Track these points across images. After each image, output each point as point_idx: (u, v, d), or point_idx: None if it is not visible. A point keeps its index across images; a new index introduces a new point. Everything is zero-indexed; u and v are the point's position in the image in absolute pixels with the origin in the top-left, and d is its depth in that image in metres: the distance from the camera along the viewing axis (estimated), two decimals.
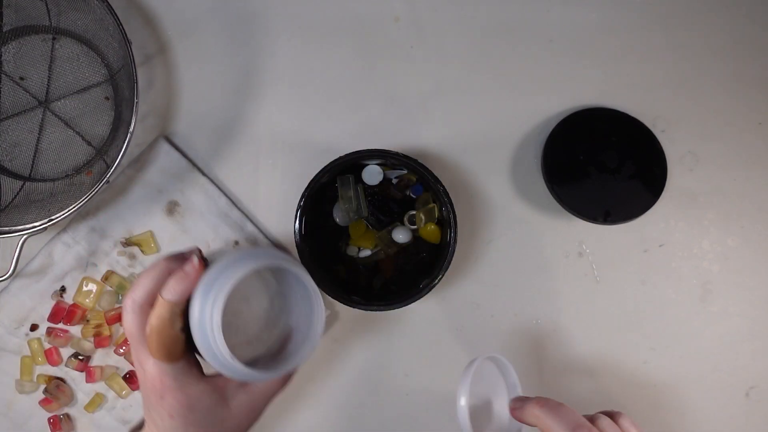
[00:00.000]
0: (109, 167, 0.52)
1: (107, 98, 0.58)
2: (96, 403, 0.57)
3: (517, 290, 0.59)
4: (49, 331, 0.57)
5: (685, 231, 0.59)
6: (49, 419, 0.57)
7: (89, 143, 0.58)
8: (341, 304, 0.54)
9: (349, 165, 0.54)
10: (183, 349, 0.41)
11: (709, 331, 0.59)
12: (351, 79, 0.60)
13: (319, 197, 0.55)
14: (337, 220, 0.56)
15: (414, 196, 0.55)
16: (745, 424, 0.59)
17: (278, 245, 0.59)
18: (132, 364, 0.57)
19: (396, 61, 0.60)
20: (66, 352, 0.57)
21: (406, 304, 0.52)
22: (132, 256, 0.58)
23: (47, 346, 0.57)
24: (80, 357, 0.57)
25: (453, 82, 0.60)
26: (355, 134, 0.59)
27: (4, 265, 0.57)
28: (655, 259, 0.59)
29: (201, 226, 0.58)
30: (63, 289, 0.57)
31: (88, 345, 0.57)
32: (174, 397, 0.41)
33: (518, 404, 0.46)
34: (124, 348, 0.57)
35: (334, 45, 0.60)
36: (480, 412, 0.48)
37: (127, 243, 0.58)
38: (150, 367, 0.41)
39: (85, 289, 0.57)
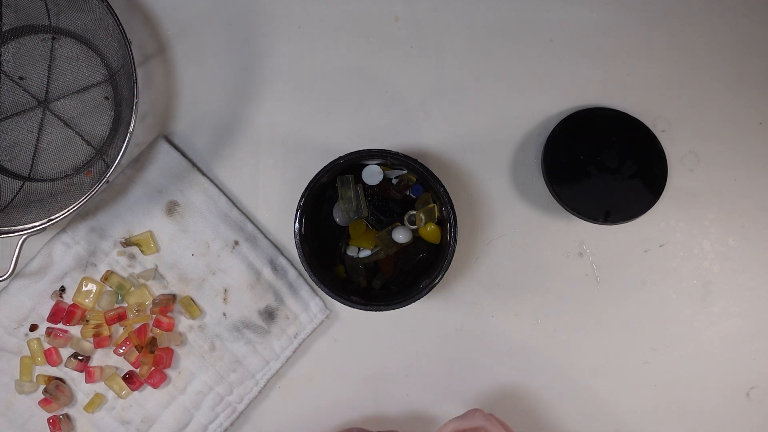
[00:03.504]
0: (108, 167, 0.52)
1: (107, 98, 0.58)
2: (95, 403, 0.57)
3: (517, 290, 0.59)
4: (49, 332, 0.57)
5: (686, 231, 0.59)
6: (48, 419, 0.57)
7: (89, 143, 0.58)
8: (341, 304, 0.54)
9: (349, 165, 0.54)
10: None
11: (710, 332, 0.59)
12: (351, 79, 0.60)
13: (319, 197, 0.55)
14: (337, 220, 0.56)
15: (414, 196, 0.55)
16: (746, 424, 0.59)
17: (278, 245, 0.59)
18: (131, 363, 0.57)
19: (396, 61, 0.60)
20: (65, 352, 0.57)
21: (406, 304, 0.52)
22: (132, 256, 0.58)
23: (47, 346, 0.57)
24: (80, 357, 0.57)
25: (453, 82, 0.60)
26: (355, 134, 0.59)
27: (3, 265, 0.57)
28: (655, 259, 0.59)
29: (201, 226, 0.58)
30: (62, 289, 0.57)
31: (87, 345, 0.57)
32: None
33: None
34: (123, 348, 0.57)
35: (333, 45, 0.60)
36: None
37: (127, 243, 0.58)
38: None
39: (84, 289, 0.57)
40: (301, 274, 0.59)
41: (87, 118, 0.58)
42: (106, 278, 0.57)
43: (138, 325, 0.57)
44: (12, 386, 0.57)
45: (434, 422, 0.59)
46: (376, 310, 0.52)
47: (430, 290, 0.52)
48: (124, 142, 0.52)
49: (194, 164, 0.59)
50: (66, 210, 0.52)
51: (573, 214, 0.57)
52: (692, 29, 0.60)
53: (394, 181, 0.56)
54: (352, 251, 0.56)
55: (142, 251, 0.58)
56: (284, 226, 0.59)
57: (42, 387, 0.57)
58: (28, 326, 0.57)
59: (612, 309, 0.59)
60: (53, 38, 0.57)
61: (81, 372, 0.57)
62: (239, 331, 0.58)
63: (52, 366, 0.57)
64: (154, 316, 0.57)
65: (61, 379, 0.57)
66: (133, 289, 0.58)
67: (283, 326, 0.58)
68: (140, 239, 0.58)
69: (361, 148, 0.52)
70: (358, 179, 0.55)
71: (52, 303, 0.57)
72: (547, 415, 0.59)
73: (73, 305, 0.57)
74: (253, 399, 0.58)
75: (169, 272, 0.58)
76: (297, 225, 0.52)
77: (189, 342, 0.58)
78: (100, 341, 0.57)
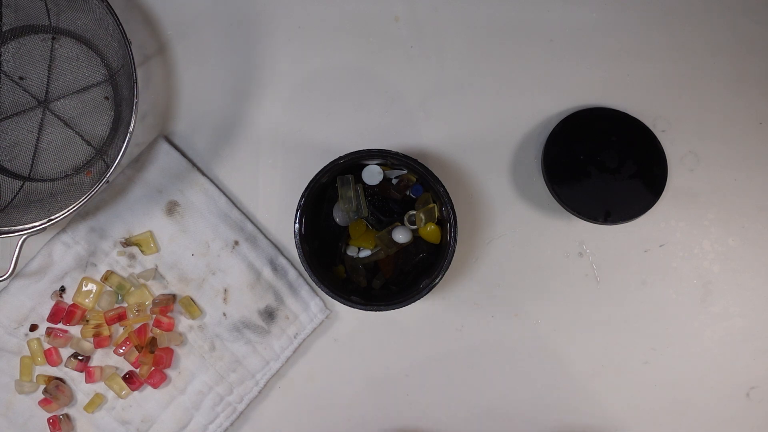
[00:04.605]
0: (108, 167, 0.52)
1: (107, 98, 0.58)
2: (95, 403, 0.57)
3: (517, 290, 0.59)
4: (49, 332, 0.57)
5: (686, 231, 0.59)
6: (48, 419, 0.57)
7: (89, 143, 0.58)
8: (341, 304, 0.54)
9: (349, 165, 0.54)
10: None
11: (710, 332, 0.59)
12: (351, 79, 0.60)
13: (319, 197, 0.55)
14: (337, 220, 0.56)
15: (414, 196, 0.55)
16: (746, 424, 0.59)
17: (278, 245, 0.59)
18: (131, 363, 0.57)
19: (396, 61, 0.60)
20: (65, 352, 0.57)
21: (406, 304, 0.52)
22: (132, 256, 0.58)
23: (47, 346, 0.57)
24: (80, 357, 0.57)
25: (453, 82, 0.60)
26: (355, 134, 0.59)
27: (3, 265, 0.57)
28: (655, 259, 0.59)
29: (201, 226, 0.58)
30: (62, 289, 0.57)
31: (87, 345, 0.57)
32: None
33: None
34: (123, 348, 0.57)
35: (333, 45, 0.60)
36: None
37: (127, 243, 0.58)
38: None
39: (84, 289, 0.57)
40: (301, 274, 0.59)
41: (87, 118, 0.58)
42: (106, 278, 0.57)
43: (138, 325, 0.57)
44: (12, 386, 0.57)
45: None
46: (376, 310, 0.52)
47: (430, 290, 0.52)
48: (124, 142, 0.52)
49: (194, 164, 0.59)
50: (66, 210, 0.52)
51: (573, 214, 0.57)
52: (692, 29, 0.60)
53: (394, 181, 0.56)
54: (352, 251, 0.56)
55: (142, 251, 0.58)
56: (284, 226, 0.59)
57: (42, 387, 0.57)
58: (28, 326, 0.57)
59: (612, 309, 0.59)
60: (53, 38, 0.57)
61: (81, 372, 0.57)
62: (239, 331, 0.58)
63: (52, 366, 0.57)
64: (154, 316, 0.57)
65: (61, 379, 0.57)
66: (133, 289, 0.58)
67: (283, 326, 0.58)
68: (140, 239, 0.58)
69: (361, 148, 0.52)
70: (358, 179, 0.55)
71: (52, 303, 0.57)
72: (547, 415, 0.59)
73: (73, 305, 0.57)
74: (253, 399, 0.58)
75: (169, 272, 0.58)
76: (297, 225, 0.52)
77: (189, 342, 0.58)
78: (100, 341, 0.57)
